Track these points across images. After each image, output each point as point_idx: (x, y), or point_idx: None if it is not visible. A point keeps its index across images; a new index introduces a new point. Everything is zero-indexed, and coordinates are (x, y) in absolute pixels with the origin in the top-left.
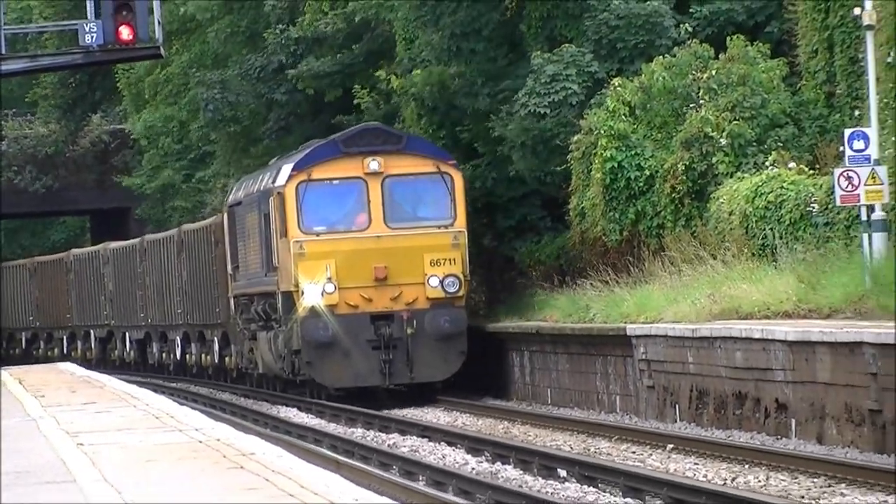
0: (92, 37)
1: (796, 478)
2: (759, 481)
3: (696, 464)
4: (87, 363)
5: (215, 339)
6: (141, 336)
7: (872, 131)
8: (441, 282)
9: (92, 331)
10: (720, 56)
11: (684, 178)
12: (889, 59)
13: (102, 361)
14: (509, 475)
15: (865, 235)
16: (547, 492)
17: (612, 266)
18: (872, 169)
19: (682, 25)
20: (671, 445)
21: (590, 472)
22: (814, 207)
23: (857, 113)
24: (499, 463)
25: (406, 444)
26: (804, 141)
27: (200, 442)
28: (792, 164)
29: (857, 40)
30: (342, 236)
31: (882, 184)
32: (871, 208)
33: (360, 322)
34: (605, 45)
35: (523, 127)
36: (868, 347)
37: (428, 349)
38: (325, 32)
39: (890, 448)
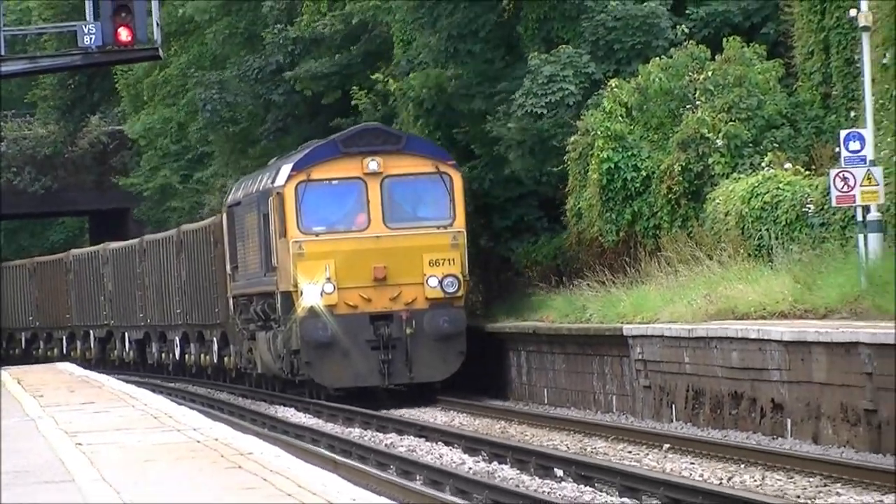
0: (91, 38)
1: (792, 477)
2: (756, 481)
3: (692, 463)
4: (86, 363)
5: (214, 339)
6: (140, 336)
7: (868, 132)
8: (440, 282)
9: (91, 331)
10: (716, 57)
11: (681, 178)
12: (885, 61)
13: (102, 361)
14: (506, 475)
15: (861, 236)
16: (544, 491)
17: (608, 266)
18: (868, 170)
19: (678, 27)
20: (667, 445)
21: (586, 472)
22: (810, 208)
23: (852, 114)
24: (496, 463)
25: (403, 444)
26: (800, 142)
27: (198, 442)
28: (788, 165)
29: (853, 42)
30: (341, 236)
31: (877, 185)
32: (866, 209)
33: (360, 322)
34: (602, 46)
35: (520, 127)
36: (864, 347)
37: (427, 349)
38: (323, 33)
39: (886, 448)
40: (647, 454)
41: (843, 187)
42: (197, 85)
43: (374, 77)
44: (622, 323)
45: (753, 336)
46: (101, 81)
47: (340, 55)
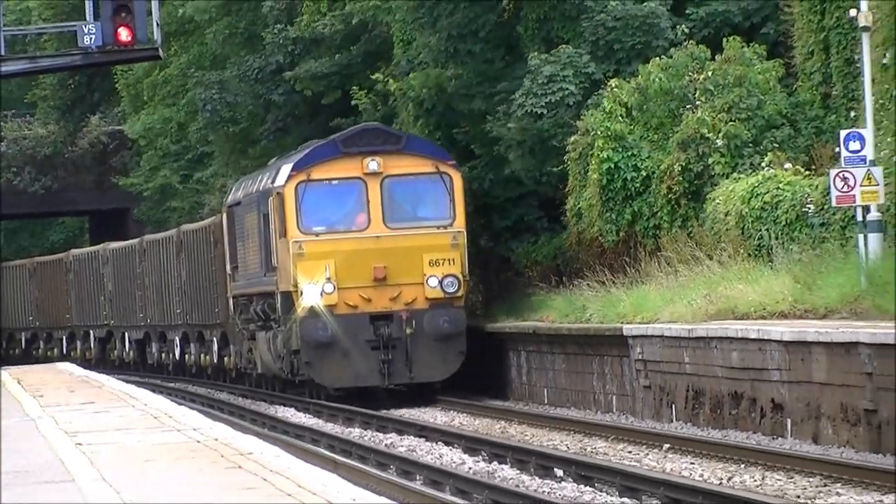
0: (91, 38)
1: (792, 477)
2: (756, 481)
3: (692, 463)
4: (86, 363)
5: (214, 339)
6: (140, 336)
7: (868, 132)
8: (440, 282)
9: (91, 331)
10: (716, 57)
11: (681, 178)
12: (885, 61)
13: (102, 361)
14: (506, 475)
15: (861, 236)
16: (544, 491)
17: (608, 266)
18: (868, 170)
19: (678, 27)
20: (667, 445)
21: (586, 472)
22: (810, 208)
23: (852, 114)
24: (496, 463)
25: (403, 444)
26: (800, 142)
27: (198, 442)
28: (788, 165)
29: (853, 42)
30: (341, 236)
31: (877, 185)
32: (866, 209)
33: (360, 322)
34: (602, 46)
35: (520, 127)
36: (864, 347)
37: (427, 349)
38: (323, 33)
39: (886, 448)
40: (647, 454)
41: (843, 187)
42: (197, 85)
43: (374, 77)
44: (622, 323)
45: (753, 336)
46: (101, 81)
47: (340, 55)
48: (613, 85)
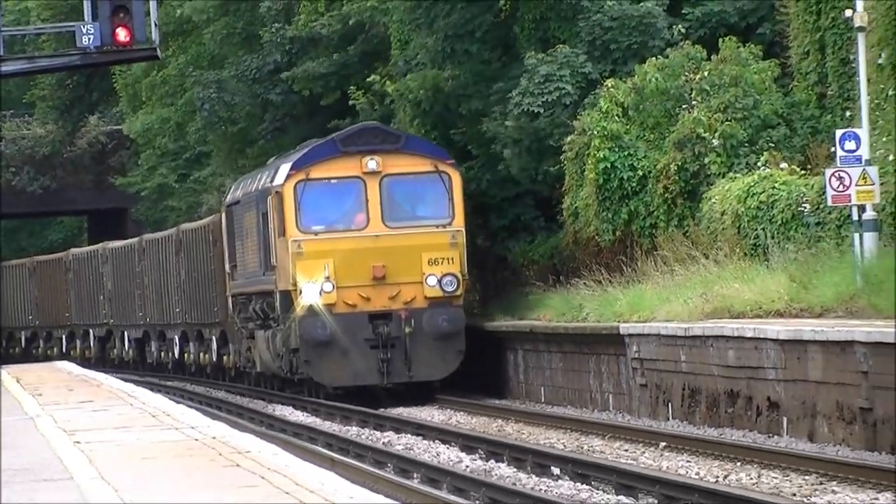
0: (89, 38)
1: (788, 475)
2: (751, 479)
3: (688, 462)
4: (86, 362)
5: (213, 338)
6: (139, 335)
7: (863, 132)
8: (439, 281)
9: (91, 330)
10: (712, 57)
11: (677, 178)
12: (880, 61)
13: (101, 360)
14: (503, 473)
15: (856, 235)
16: (540, 489)
17: (605, 265)
18: (863, 169)
19: (674, 27)
20: (664, 443)
21: (583, 470)
22: (805, 207)
23: (848, 114)
24: (492, 461)
25: (400, 443)
26: (796, 141)
27: (196, 440)
28: (784, 165)
29: (849, 42)
30: (340, 235)
31: (873, 184)
32: (862, 208)
33: (359, 321)
34: (599, 46)
35: (517, 125)
36: (859, 346)
37: (426, 348)
38: (321, 33)
39: (881, 446)
40: (644, 452)
41: (838, 187)
42: (195, 84)
43: (370, 80)
44: (619, 322)
45: (749, 335)
46: (99, 81)
47: (338, 55)
48: (610, 85)
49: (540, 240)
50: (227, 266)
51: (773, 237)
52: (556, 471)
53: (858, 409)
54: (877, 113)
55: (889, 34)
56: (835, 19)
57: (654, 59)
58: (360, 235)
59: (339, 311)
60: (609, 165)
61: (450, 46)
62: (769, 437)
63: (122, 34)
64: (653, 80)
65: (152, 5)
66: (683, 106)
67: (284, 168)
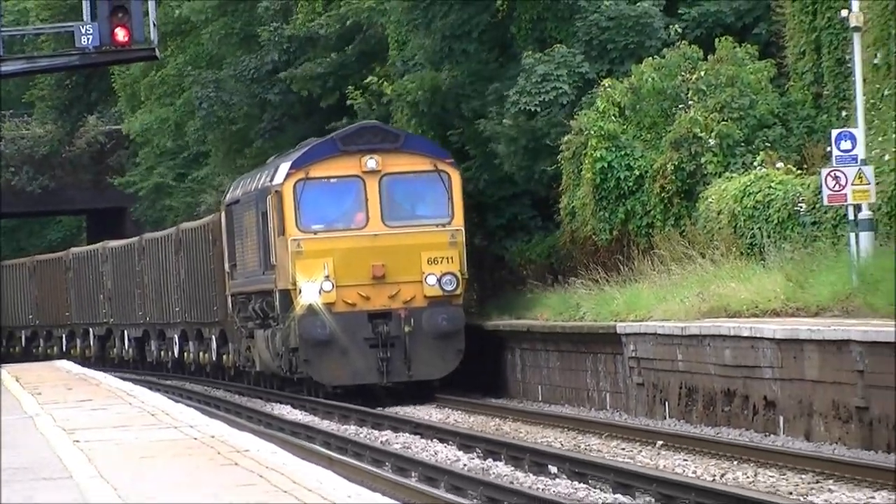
0: (88, 38)
1: (784, 474)
2: (748, 478)
3: (685, 460)
4: (86, 361)
5: (213, 337)
6: (139, 334)
7: (859, 132)
8: (439, 280)
9: (91, 329)
10: (709, 57)
11: (673, 177)
12: (876, 61)
13: (101, 359)
14: (500, 471)
15: (852, 234)
16: (538, 488)
17: (602, 265)
18: (859, 169)
19: (671, 27)
20: (661, 442)
21: (580, 469)
22: (801, 207)
23: (844, 113)
24: (490, 459)
25: (398, 441)
26: (792, 141)
27: (195, 439)
28: (780, 164)
29: (845, 42)
30: (340, 234)
31: (869, 183)
32: (857, 208)
33: (358, 320)
34: (596, 46)
35: (514, 124)
36: (855, 345)
37: (426, 347)
38: (319, 33)
39: (877, 444)
40: (641, 451)
41: (834, 186)
42: (193, 84)
43: (367, 81)
44: (616, 321)
45: (746, 334)
46: (98, 81)
47: (336, 55)
48: (607, 84)
49: (537, 239)
50: (226, 265)
51: (769, 236)
52: (553, 469)
53: (854, 408)
54: (872, 113)
55: (884, 34)
56: (830, 19)
57: (650, 59)
58: (359, 234)
59: (338, 310)
60: (606, 165)
61: (448, 46)
62: (766, 435)
63: (120, 34)
64: (649, 79)
65: (151, 5)
66: (680, 106)
67: (284, 167)
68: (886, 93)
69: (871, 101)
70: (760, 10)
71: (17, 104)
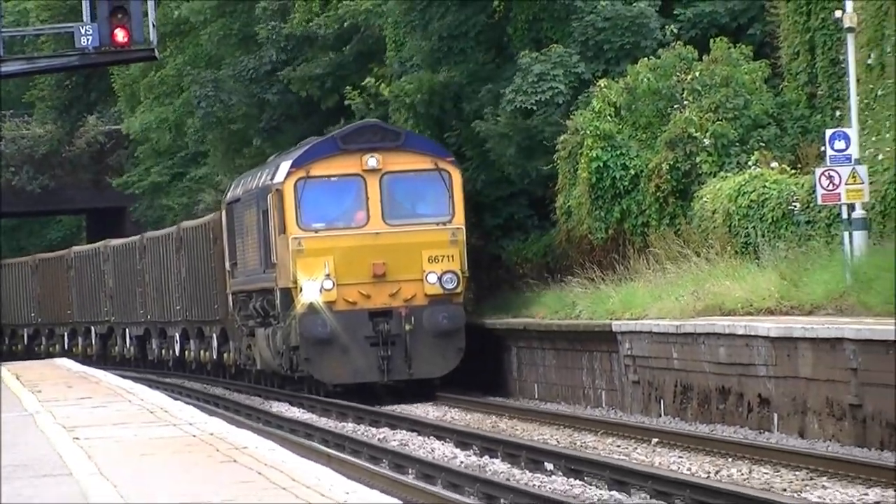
0: (88, 39)
1: (779, 471)
2: (742, 474)
3: (680, 457)
4: (87, 359)
5: (214, 335)
6: (140, 332)
7: (853, 131)
8: (439, 278)
9: (93, 327)
10: (704, 58)
11: (668, 177)
12: (869, 61)
13: (103, 357)
14: (497, 468)
15: (846, 233)
16: (534, 485)
17: (597, 264)
18: (853, 168)
19: (666, 27)
20: (656, 439)
21: (576, 466)
22: (795, 206)
23: (837, 113)
24: (487, 456)
25: (396, 439)
26: (786, 141)
27: (194, 436)
28: (774, 164)
29: (838, 42)
30: (341, 233)
31: (862, 183)
32: (851, 207)
33: (359, 319)
34: (592, 46)
35: (509, 122)
36: (849, 343)
37: (426, 345)
38: (317, 32)
39: (870, 442)
40: (636, 448)
41: (828, 185)
42: (192, 83)
43: (365, 83)
44: (611, 319)
45: (740, 332)
46: (97, 82)
47: (334, 55)
48: (602, 85)
49: (533, 238)
50: (227, 264)
51: (763, 235)
52: (549, 466)
53: (848, 406)
54: (866, 113)
55: (878, 35)
56: (824, 20)
57: (646, 59)
58: (360, 233)
59: (339, 308)
60: (601, 164)
61: (446, 46)
62: (760, 433)
63: (120, 35)
64: (645, 80)
65: (150, 6)
66: (675, 106)
67: (285, 166)
68: (880, 93)
69: (865, 101)
70: (755, 11)
71: (17, 104)
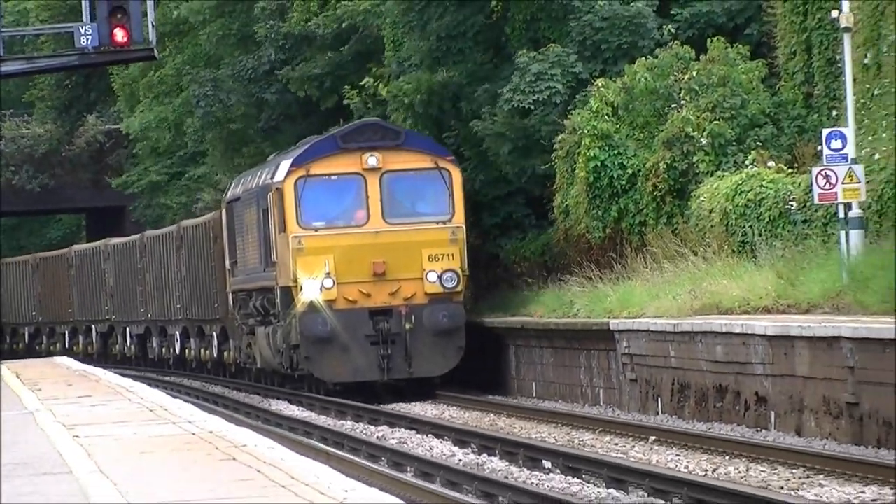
0: (87, 39)
1: (776, 469)
2: (740, 472)
3: (677, 455)
4: (88, 358)
5: (214, 333)
6: (141, 331)
7: (849, 131)
8: (439, 277)
9: (93, 326)
10: (701, 57)
11: (666, 176)
12: (866, 61)
13: (104, 356)
14: (495, 466)
15: (843, 233)
16: (532, 483)
17: (595, 262)
18: (849, 168)
19: (664, 27)
20: (653, 437)
21: (574, 464)
22: (792, 205)
23: (834, 113)
24: (485, 455)
25: (394, 437)
26: (783, 140)
27: (193, 434)
28: (771, 163)
29: (835, 42)
30: (341, 232)
31: (859, 182)
32: (848, 206)
33: (359, 317)
34: (589, 46)
35: (507, 121)
36: (845, 342)
37: (426, 344)
38: (315, 32)
39: (867, 440)
40: (634, 446)
41: (825, 185)
42: (191, 83)
43: (363, 83)
44: (609, 318)
45: (737, 330)
46: (97, 81)
47: (333, 54)
48: (600, 84)
49: (531, 237)
50: (227, 262)
51: (760, 234)
52: (547, 464)
53: (845, 404)
54: (862, 112)
55: (874, 35)
56: (821, 20)
57: (643, 59)
58: (360, 232)
59: (339, 307)
60: (599, 164)
61: (444, 46)
62: (757, 431)
63: (119, 35)
64: (642, 79)
65: (149, 6)
66: (672, 105)
67: (285, 164)
68: (876, 92)
69: (862, 100)
70: (752, 11)
71: (17, 104)
